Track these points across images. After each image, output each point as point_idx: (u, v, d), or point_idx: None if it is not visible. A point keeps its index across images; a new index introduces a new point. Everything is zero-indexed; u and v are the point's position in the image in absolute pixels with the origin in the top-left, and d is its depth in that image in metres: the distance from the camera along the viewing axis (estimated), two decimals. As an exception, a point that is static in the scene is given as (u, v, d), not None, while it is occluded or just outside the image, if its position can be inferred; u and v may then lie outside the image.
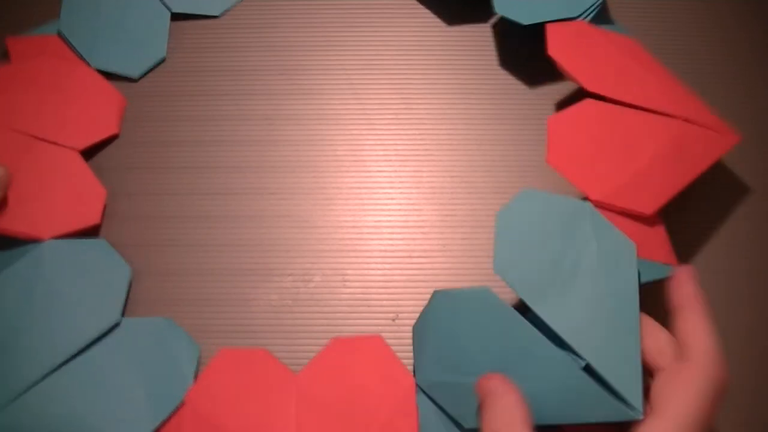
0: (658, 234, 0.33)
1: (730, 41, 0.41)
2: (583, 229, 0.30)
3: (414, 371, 0.32)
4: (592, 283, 0.29)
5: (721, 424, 0.33)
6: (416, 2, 0.42)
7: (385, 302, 0.35)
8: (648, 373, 0.28)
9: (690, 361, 0.27)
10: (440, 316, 0.31)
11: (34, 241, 0.34)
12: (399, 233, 0.37)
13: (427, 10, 0.42)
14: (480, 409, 0.28)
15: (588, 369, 0.28)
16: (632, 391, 0.27)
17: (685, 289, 0.29)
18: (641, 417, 0.27)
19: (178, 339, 0.33)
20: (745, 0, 0.42)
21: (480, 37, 0.41)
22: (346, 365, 0.32)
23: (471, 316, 0.30)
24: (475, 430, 0.29)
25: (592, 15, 0.38)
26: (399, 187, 0.38)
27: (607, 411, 0.27)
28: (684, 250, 0.36)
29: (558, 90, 0.40)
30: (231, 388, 0.31)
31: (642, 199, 0.32)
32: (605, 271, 0.29)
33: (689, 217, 0.37)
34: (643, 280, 0.30)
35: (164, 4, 0.41)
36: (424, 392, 0.31)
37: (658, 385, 0.27)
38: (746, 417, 0.33)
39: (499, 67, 0.40)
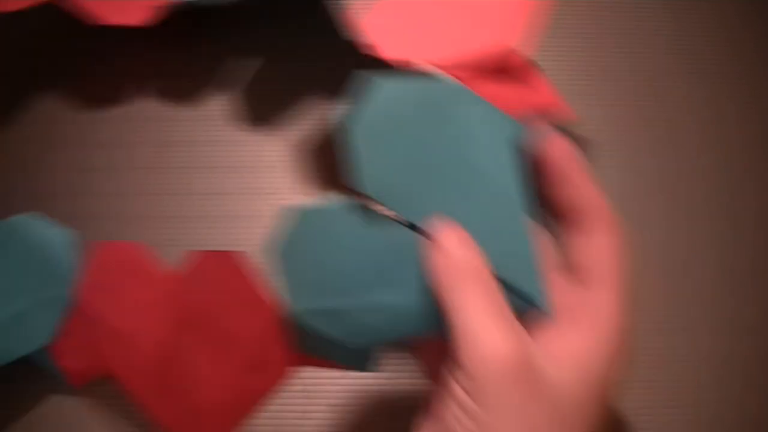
0: (537, 82, 0.30)
1: (735, 41, 0.41)
2: (444, 111, 0.26)
3: (285, 300, 0.28)
4: (472, 178, 0.26)
5: (725, 421, 0.33)
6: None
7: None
8: None
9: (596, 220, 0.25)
10: (309, 235, 0.27)
11: None
12: (399, 233, 0.36)
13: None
14: (428, 255, 0.25)
15: None
16: (536, 289, 0.25)
17: (587, 190, 0.25)
18: (549, 314, 0.25)
19: (47, 230, 0.30)
20: (750, 0, 0.42)
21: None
22: (210, 282, 0.29)
23: (345, 231, 0.27)
24: (364, 347, 0.27)
25: None
26: (399, 187, 0.37)
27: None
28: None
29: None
30: (116, 286, 0.29)
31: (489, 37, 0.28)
32: (478, 156, 0.26)
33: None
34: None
35: None
36: (299, 320, 0.28)
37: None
38: (753, 414, 0.33)
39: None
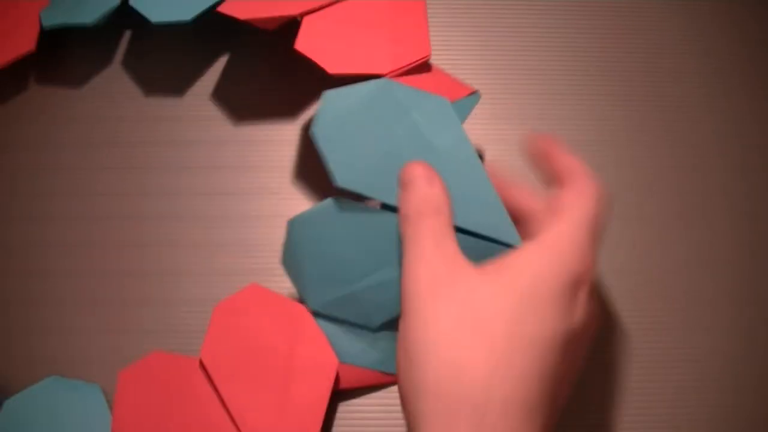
0: (442, 76, 0.34)
1: (750, 41, 0.41)
2: (395, 106, 0.30)
3: (302, 300, 0.33)
4: (426, 152, 0.30)
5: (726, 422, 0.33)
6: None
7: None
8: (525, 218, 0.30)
9: (574, 182, 0.28)
10: (306, 240, 0.32)
11: None
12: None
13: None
14: (399, 195, 0.29)
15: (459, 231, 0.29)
16: (505, 231, 0.29)
17: (567, 159, 0.29)
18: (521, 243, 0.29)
19: (75, 390, 0.32)
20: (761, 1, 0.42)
21: (474, 35, 0.41)
22: (238, 323, 0.32)
23: (334, 228, 0.31)
24: (383, 327, 0.32)
25: None
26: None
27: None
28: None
29: (546, 89, 0.40)
30: (151, 406, 0.31)
31: (415, 49, 0.34)
32: (433, 135, 0.30)
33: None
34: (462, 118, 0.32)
35: None
36: (320, 316, 0.33)
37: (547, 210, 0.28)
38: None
39: (499, 67, 0.40)
